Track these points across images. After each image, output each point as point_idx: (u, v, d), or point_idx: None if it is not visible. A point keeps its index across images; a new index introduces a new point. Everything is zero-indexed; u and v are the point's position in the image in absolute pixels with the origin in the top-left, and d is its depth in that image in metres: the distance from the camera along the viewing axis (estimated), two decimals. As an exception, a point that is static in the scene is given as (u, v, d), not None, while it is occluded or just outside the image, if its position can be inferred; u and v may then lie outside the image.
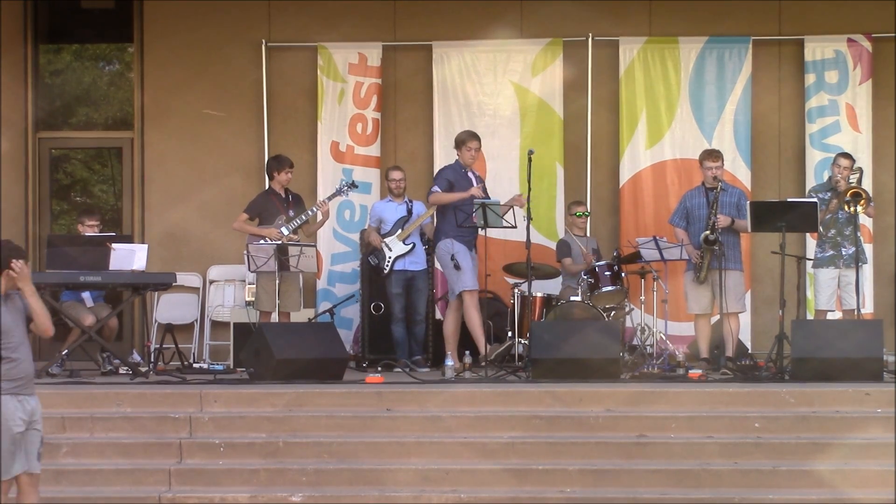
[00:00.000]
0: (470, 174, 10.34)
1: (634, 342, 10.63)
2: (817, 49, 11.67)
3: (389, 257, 10.52)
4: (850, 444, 8.03)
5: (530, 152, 10.04)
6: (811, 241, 10.94)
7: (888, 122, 11.64)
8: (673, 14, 11.76)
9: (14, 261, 6.29)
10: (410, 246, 10.55)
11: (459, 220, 10.02)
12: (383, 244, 10.54)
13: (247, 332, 10.12)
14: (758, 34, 11.74)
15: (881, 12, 11.35)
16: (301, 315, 10.80)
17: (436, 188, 10.28)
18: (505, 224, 10.00)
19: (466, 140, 10.31)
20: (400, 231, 10.55)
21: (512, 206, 10.07)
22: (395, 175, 10.75)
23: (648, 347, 10.50)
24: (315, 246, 11.10)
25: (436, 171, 11.53)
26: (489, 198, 10.36)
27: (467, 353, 10.01)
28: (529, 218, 9.92)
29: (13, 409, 6.29)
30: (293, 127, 11.95)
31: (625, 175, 11.74)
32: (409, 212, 10.66)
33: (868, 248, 11.15)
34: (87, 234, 10.51)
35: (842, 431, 8.24)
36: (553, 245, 11.30)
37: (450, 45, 11.80)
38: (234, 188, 11.69)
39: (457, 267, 10.11)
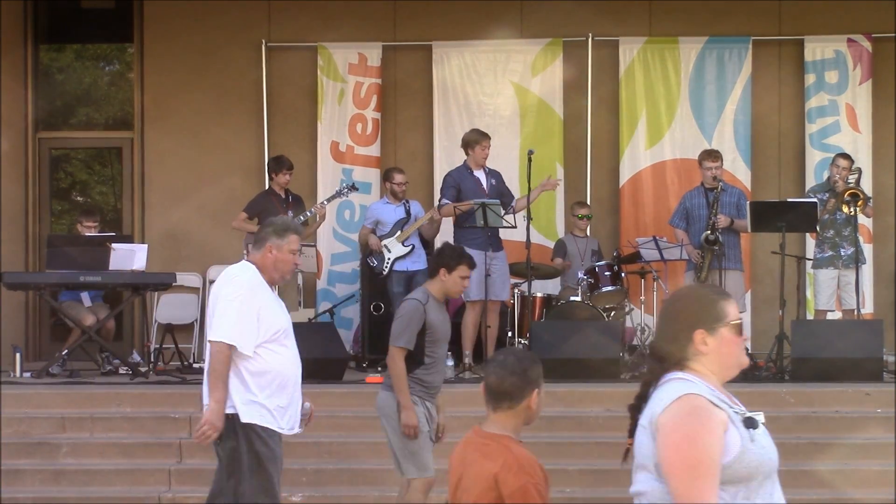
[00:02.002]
0: (477, 173, 10.30)
1: (634, 342, 10.63)
2: (817, 49, 11.67)
3: (388, 259, 10.51)
4: (850, 444, 8.04)
5: (530, 152, 10.03)
6: (811, 241, 10.94)
7: (888, 122, 11.63)
8: (673, 14, 11.76)
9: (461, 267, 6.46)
10: (409, 248, 10.52)
11: (460, 221, 10.03)
12: (383, 246, 10.52)
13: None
14: (758, 34, 11.74)
15: (881, 12, 11.35)
16: (301, 315, 10.80)
17: (445, 201, 10.22)
18: (505, 224, 9.99)
19: (480, 140, 10.21)
20: (399, 233, 10.53)
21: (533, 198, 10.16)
22: (399, 178, 10.64)
23: (648, 347, 10.50)
24: (315, 246, 11.09)
25: (436, 171, 11.56)
26: (506, 189, 10.36)
27: (468, 353, 10.01)
28: (529, 218, 9.93)
29: (421, 412, 6.42)
30: (293, 127, 11.94)
31: (625, 175, 11.73)
32: (408, 213, 10.63)
33: (868, 249, 11.15)
34: (86, 234, 10.52)
35: (842, 431, 8.25)
36: (552, 245, 11.30)
37: (450, 45, 11.80)
38: (234, 188, 11.68)
39: None
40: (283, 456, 5.74)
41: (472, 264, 6.59)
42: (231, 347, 5.44)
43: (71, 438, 8.39)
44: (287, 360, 5.59)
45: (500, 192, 10.30)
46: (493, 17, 11.68)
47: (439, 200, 10.35)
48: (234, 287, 5.51)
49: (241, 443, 5.50)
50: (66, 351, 10.07)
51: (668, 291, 10.37)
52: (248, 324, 5.44)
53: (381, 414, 6.56)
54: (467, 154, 10.25)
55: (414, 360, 6.41)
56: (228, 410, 5.53)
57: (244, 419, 5.51)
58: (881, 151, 11.67)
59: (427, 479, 6.48)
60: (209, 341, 5.52)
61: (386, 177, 10.81)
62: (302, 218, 10.52)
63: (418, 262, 10.60)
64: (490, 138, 10.33)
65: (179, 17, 11.90)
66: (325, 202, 10.70)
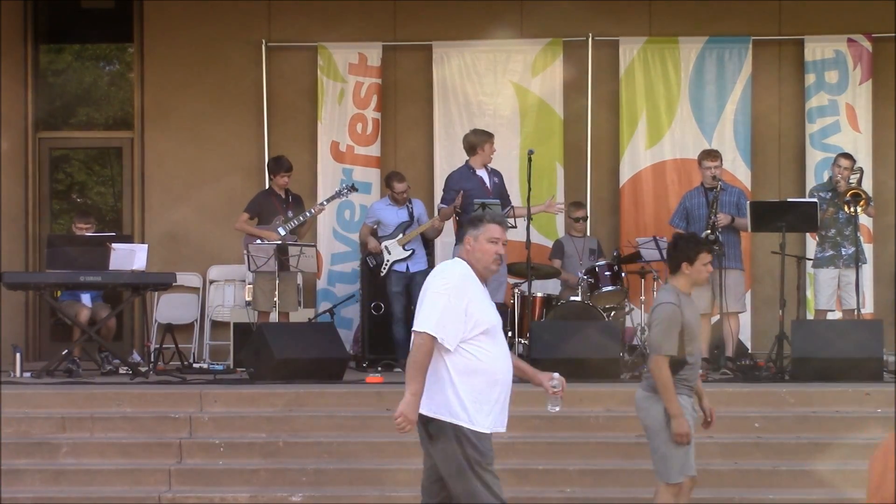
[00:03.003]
0: (480, 172, 10.29)
1: (634, 342, 10.62)
2: (817, 49, 11.67)
3: (388, 261, 10.48)
4: (850, 444, 8.02)
5: (530, 152, 10.03)
6: (811, 241, 10.94)
7: (888, 122, 11.63)
8: (673, 14, 11.76)
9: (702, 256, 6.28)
10: (410, 252, 10.48)
11: (461, 221, 10.03)
12: (383, 248, 10.50)
13: (247, 332, 10.12)
14: (758, 34, 11.73)
15: (881, 12, 11.34)
16: (301, 315, 10.80)
17: (442, 205, 10.22)
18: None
19: (489, 139, 10.22)
20: (401, 236, 10.48)
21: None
22: (400, 187, 10.54)
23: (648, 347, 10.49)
24: (315, 246, 11.09)
25: (436, 171, 11.57)
26: (506, 192, 10.35)
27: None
28: (529, 218, 9.93)
29: (689, 410, 6.33)
30: (293, 127, 11.94)
31: (625, 175, 11.73)
32: (411, 215, 10.58)
33: (868, 248, 11.14)
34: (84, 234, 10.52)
35: (842, 431, 8.24)
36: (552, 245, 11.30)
37: (450, 45, 11.80)
38: (234, 188, 11.68)
39: None
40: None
41: (710, 249, 6.44)
42: (433, 339, 5.28)
43: (71, 438, 8.39)
44: (496, 357, 5.44)
45: (501, 193, 10.31)
46: (493, 17, 11.68)
47: (440, 203, 10.35)
48: (444, 280, 5.38)
49: (451, 446, 5.34)
50: (66, 351, 10.06)
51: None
52: (453, 318, 5.27)
53: (639, 415, 6.42)
54: (475, 154, 10.22)
55: (678, 361, 6.25)
56: (436, 415, 5.36)
57: (452, 421, 5.34)
58: (881, 151, 11.66)
59: (691, 477, 6.36)
60: (413, 331, 5.32)
61: (386, 184, 10.79)
62: (301, 218, 10.52)
63: (419, 264, 10.58)
64: (494, 135, 10.36)
65: (179, 17, 11.90)
66: (325, 202, 10.70)
